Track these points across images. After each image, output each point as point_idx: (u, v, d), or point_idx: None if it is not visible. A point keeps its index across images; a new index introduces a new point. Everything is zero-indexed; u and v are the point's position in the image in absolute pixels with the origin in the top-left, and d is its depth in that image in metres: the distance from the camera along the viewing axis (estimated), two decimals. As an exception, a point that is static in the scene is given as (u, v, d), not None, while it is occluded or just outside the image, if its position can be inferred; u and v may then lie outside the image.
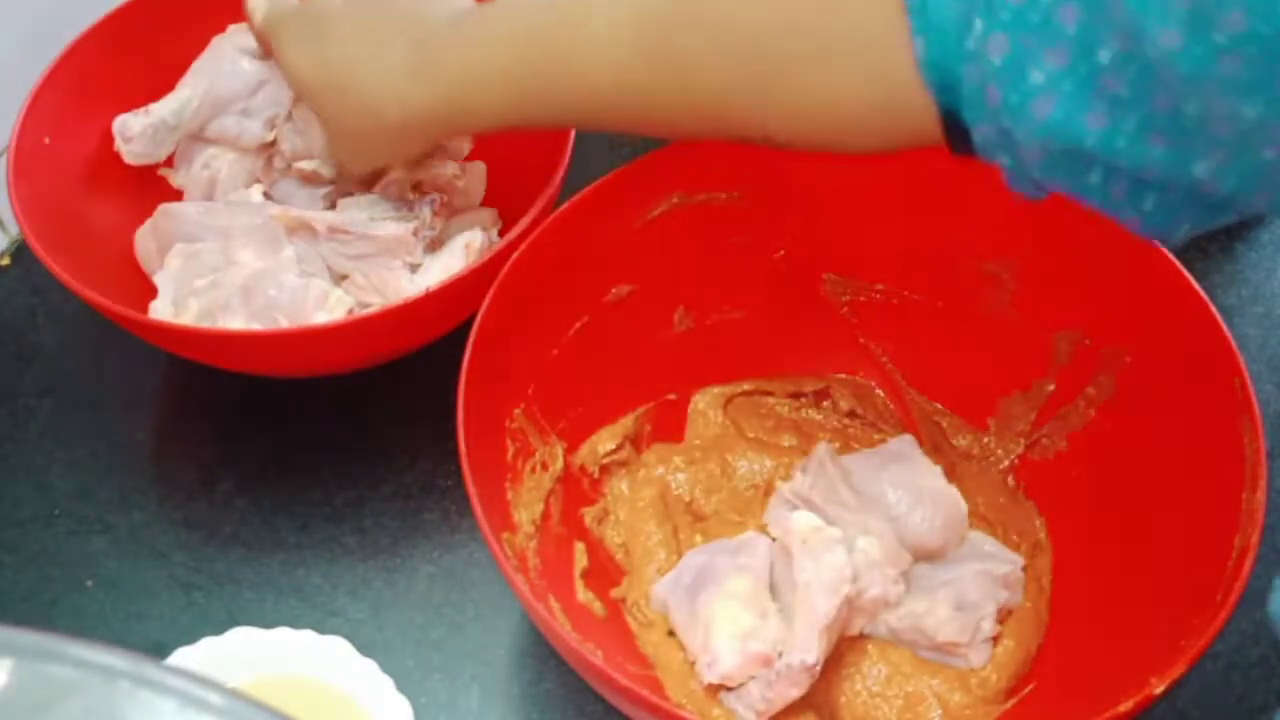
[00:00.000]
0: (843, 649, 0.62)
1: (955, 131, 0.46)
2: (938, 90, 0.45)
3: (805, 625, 0.58)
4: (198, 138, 0.78)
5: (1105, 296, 0.63)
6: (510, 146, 0.78)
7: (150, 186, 0.79)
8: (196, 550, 0.69)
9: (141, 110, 0.76)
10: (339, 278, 0.74)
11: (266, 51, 0.71)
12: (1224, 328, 0.57)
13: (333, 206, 0.75)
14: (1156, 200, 0.44)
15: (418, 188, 0.77)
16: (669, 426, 0.71)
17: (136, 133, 0.76)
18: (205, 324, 0.69)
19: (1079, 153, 0.43)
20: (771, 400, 0.72)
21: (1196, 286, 0.58)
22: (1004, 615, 0.63)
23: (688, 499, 0.69)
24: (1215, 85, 0.38)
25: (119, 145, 0.76)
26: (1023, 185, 0.47)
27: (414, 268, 0.74)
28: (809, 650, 0.58)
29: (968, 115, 0.45)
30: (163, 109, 0.76)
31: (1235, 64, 0.37)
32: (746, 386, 0.72)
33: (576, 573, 0.64)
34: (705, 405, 0.71)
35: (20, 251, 0.82)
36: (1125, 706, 0.48)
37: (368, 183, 0.74)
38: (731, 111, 0.53)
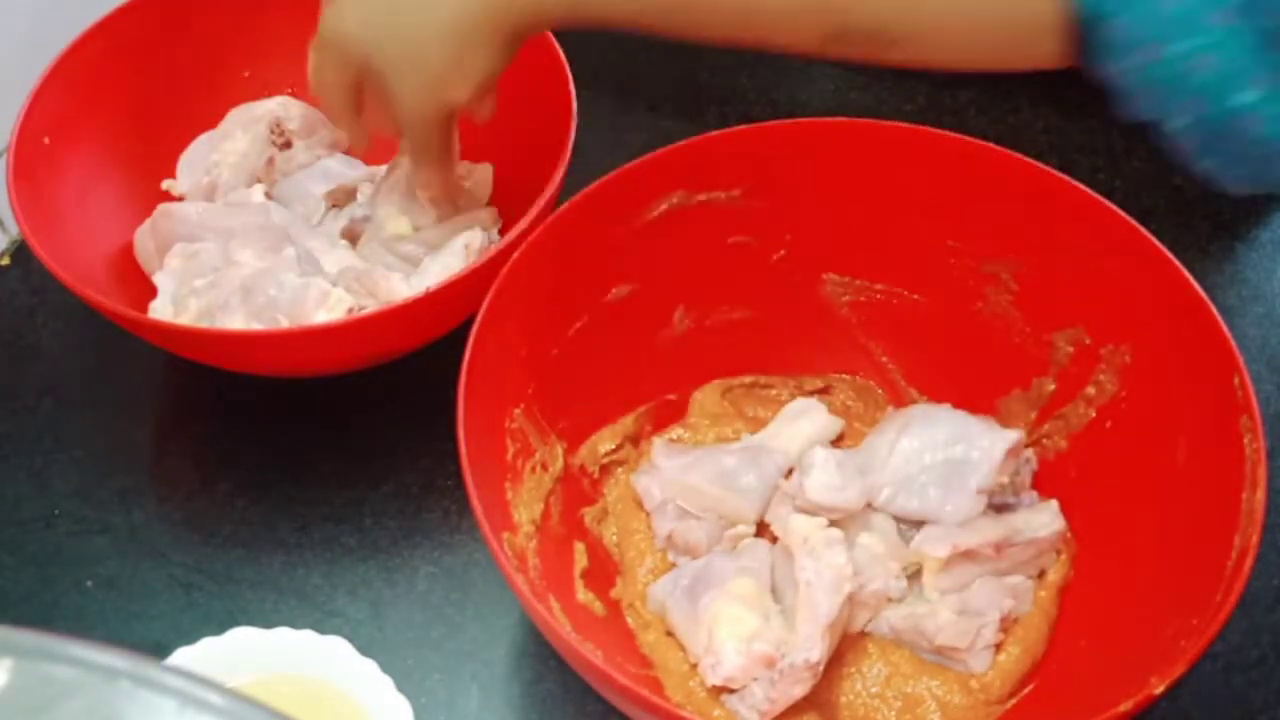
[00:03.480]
0: (844, 648, 0.62)
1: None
2: None
3: (808, 624, 0.58)
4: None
5: (1105, 296, 0.63)
6: (511, 146, 0.78)
7: (150, 186, 0.79)
8: (196, 550, 0.69)
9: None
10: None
11: None
12: (1224, 328, 0.57)
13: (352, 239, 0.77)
14: (1221, 153, 0.51)
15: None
16: (669, 426, 0.71)
17: None
18: (205, 324, 0.69)
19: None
20: (773, 391, 0.72)
21: (1196, 286, 0.58)
22: (1009, 623, 0.62)
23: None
24: None
25: None
26: (1128, 102, 0.52)
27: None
28: (812, 648, 0.58)
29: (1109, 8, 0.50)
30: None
31: None
32: (747, 380, 0.72)
33: (576, 573, 0.63)
34: (705, 395, 0.71)
35: (20, 251, 0.82)
36: (1125, 706, 0.48)
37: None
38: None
